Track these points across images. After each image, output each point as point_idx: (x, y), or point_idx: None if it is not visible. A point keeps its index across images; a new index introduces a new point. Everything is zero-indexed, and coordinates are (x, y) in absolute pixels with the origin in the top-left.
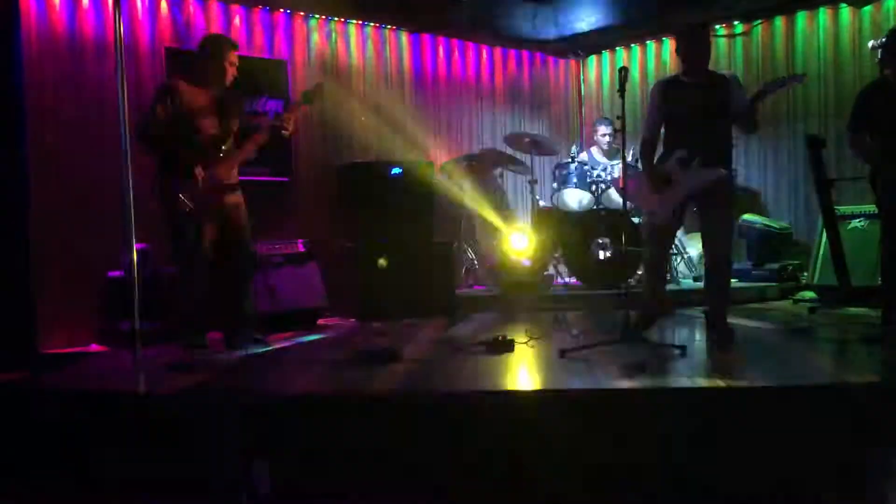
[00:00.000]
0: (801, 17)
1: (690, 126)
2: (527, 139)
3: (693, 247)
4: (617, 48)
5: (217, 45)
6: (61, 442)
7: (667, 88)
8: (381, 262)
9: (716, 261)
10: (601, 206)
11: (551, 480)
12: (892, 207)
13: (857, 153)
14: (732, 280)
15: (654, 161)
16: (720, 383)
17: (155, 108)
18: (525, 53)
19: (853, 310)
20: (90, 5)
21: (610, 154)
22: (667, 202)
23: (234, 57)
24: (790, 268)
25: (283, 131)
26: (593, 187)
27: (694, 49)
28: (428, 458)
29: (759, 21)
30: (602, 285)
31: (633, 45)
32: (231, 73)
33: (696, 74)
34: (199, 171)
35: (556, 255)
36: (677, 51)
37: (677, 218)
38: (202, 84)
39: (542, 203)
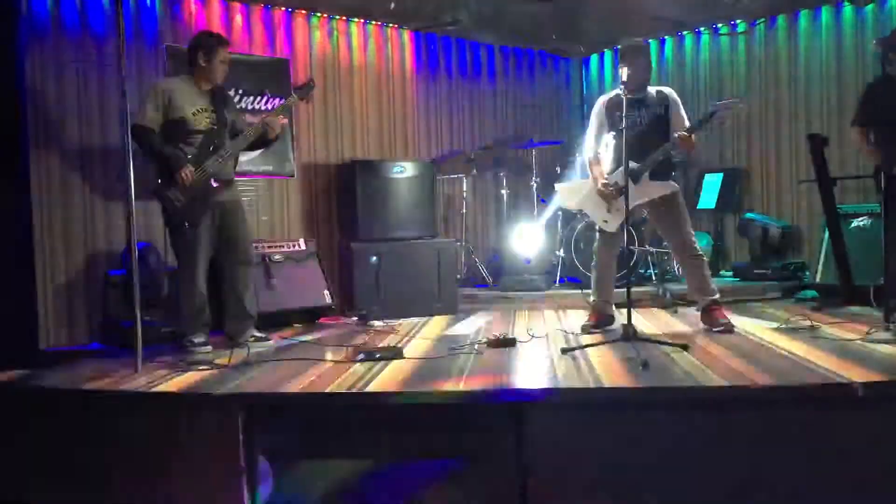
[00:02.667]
0: (804, 16)
1: (637, 141)
2: (529, 137)
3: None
4: (618, 47)
5: (208, 42)
6: (61, 440)
7: (610, 106)
8: (373, 259)
9: (688, 252)
10: None
11: (554, 479)
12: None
13: (859, 148)
14: (735, 278)
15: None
16: (721, 382)
17: (145, 108)
18: (527, 51)
19: (856, 309)
20: (92, 3)
21: None
22: (618, 212)
23: (225, 54)
24: (792, 266)
25: (270, 132)
26: None
27: (635, 68)
28: (428, 456)
29: (762, 20)
30: None
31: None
32: (223, 70)
33: (637, 90)
34: (188, 170)
35: (558, 252)
36: (619, 68)
37: (628, 226)
38: (195, 82)
39: (543, 201)
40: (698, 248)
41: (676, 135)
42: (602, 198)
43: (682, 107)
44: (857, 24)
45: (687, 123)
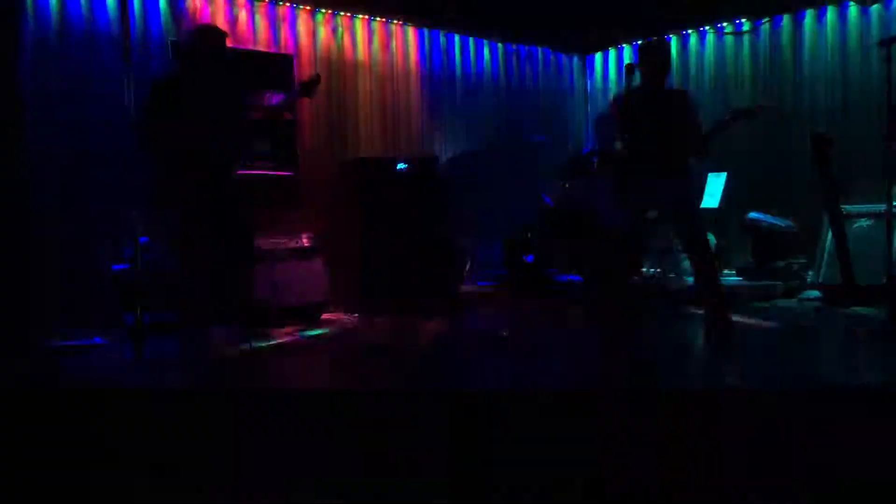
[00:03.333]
0: (809, 15)
1: (651, 139)
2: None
3: None
4: (623, 45)
5: (207, 35)
6: (63, 436)
7: (626, 104)
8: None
9: (698, 251)
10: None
11: (551, 481)
12: None
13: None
14: (738, 278)
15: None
16: (723, 382)
17: (150, 104)
18: (532, 49)
19: (858, 309)
20: None
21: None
22: (630, 210)
23: (224, 47)
24: (795, 266)
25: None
26: None
27: (654, 65)
28: (428, 454)
29: (766, 19)
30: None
31: (638, 41)
32: (224, 62)
33: (654, 88)
34: (195, 165)
35: (560, 251)
36: (639, 64)
37: (638, 223)
38: (195, 75)
39: (546, 199)
40: (709, 247)
41: (693, 144)
42: (614, 195)
43: (698, 110)
44: (863, 23)
45: (702, 128)
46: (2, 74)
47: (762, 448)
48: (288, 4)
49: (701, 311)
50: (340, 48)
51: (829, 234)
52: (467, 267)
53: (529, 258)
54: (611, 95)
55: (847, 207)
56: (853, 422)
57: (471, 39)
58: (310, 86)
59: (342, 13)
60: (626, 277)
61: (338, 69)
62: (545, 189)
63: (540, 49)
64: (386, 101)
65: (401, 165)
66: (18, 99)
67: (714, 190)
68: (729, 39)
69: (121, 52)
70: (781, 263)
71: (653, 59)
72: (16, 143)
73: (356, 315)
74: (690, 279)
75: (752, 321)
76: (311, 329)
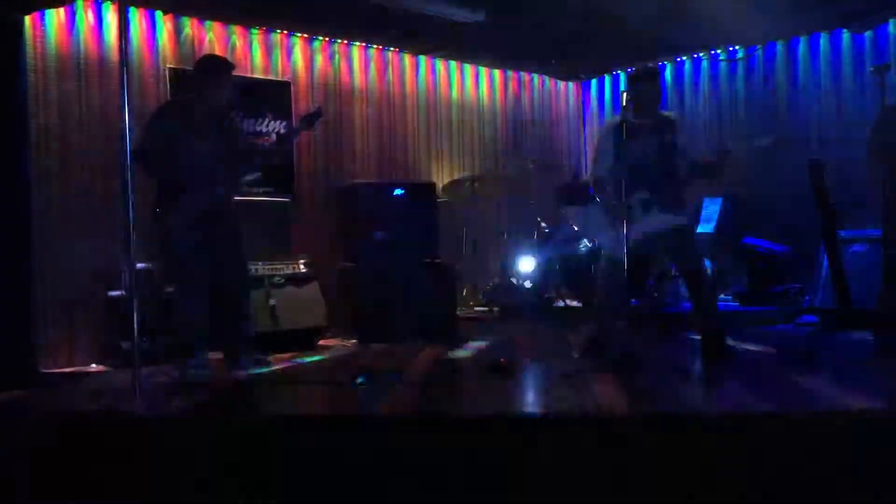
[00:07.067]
0: (802, 42)
1: (647, 168)
2: (530, 161)
3: None
4: (618, 71)
5: (213, 66)
6: (59, 463)
7: (619, 129)
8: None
9: (696, 279)
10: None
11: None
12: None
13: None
14: (734, 303)
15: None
16: (722, 408)
17: (149, 131)
18: (527, 75)
19: (855, 334)
20: (94, 25)
21: None
22: (626, 239)
23: (230, 78)
24: (792, 291)
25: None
26: None
27: (645, 93)
28: (427, 480)
29: (759, 46)
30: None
31: (631, 68)
32: (228, 94)
33: (646, 116)
34: (190, 193)
35: (557, 277)
36: (629, 92)
37: (635, 250)
38: (199, 104)
39: (543, 224)
40: (707, 275)
41: (683, 174)
42: (610, 222)
43: (685, 136)
44: (855, 50)
45: (689, 154)
46: (4, 97)
47: (756, 471)
48: (285, 32)
49: (698, 337)
50: (337, 75)
51: (826, 260)
52: (464, 292)
53: (527, 285)
54: (606, 121)
55: (842, 233)
56: (845, 445)
57: (467, 66)
58: (311, 119)
59: (339, 41)
60: (626, 303)
61: (334, 95)
62: (543, 215)
63: (536, 75)
64: (382, 127)
65: (397, 191)
66: (21, 123)
67: (710, 215)
68: (723, 66)
69: (119, 78)
70: (778, 288)
71: (642, 87)
72: (18, 166)
73: (353, 341)
74: (687, 305)
75: (748, 346)
76: (308, 355)
